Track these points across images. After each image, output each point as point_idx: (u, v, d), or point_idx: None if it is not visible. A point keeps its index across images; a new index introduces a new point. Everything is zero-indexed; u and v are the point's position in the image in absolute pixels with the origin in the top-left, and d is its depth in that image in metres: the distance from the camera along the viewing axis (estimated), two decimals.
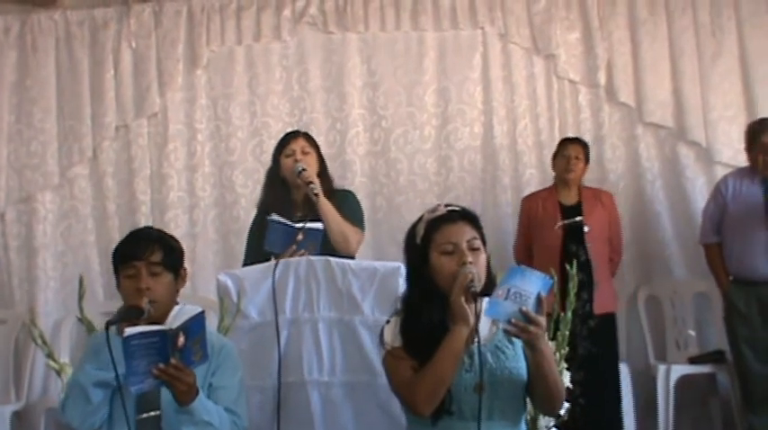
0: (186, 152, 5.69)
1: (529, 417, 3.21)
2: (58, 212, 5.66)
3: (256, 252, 3.96)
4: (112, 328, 2.56)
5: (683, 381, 5.19)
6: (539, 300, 2.43)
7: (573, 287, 3.77)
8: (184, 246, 2.99)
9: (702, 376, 5.28)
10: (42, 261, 5.56)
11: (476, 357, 2.51)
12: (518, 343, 2.59)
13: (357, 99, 5.69)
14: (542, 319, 2.44)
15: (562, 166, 5.21)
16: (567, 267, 3.84)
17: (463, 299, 2.48)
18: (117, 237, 3.67)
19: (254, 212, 4.32)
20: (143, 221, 5.46)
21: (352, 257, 3.91)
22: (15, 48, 5.74)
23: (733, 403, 5.14)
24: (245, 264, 4.03)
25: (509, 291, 2.42)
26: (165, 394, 2.64)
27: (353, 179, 5.54)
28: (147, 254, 2.76)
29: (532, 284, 2.44)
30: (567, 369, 3.70)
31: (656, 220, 5.59)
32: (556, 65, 5.70)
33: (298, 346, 3.52)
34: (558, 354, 3.60)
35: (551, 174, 5.32)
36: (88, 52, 5.72)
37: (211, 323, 2.91)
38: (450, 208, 2.68)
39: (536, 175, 5.63)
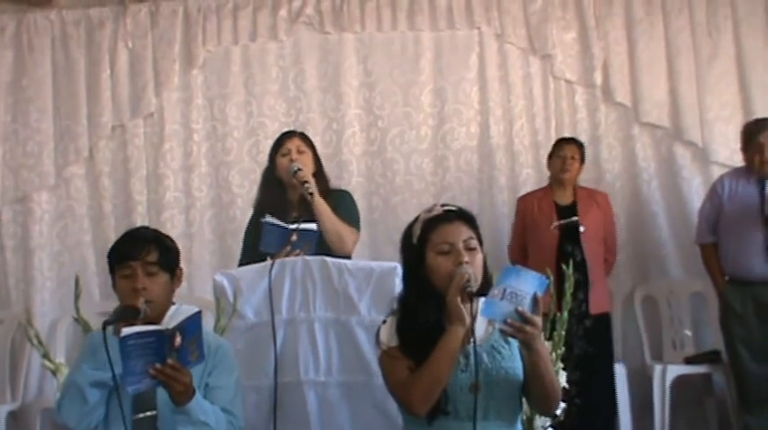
0: (182, 152, 5.68)
1: (525, 417, 3.21)
2: (55, 212, 5.66)
3: (252, 252, 3.96)
4: (109, 328, 2.56)
5: (679, 381, 5.19)
6: (535, 299, 2.43)
7: (569, 287, 3.77)
8: (180, 246, 2.99)
9: (698, 376, 5.28)
10: (38, 261, 5.56)
11: (471, 357, 2.51)
12: (514, 343, 2.59)
13: (353, 99, 5.69)
14: (538, 319, 2.45)
15: (558, 166, 5.21)
16: (564, 267, 3.84)
17: (459, 299, 2.48)
18: (113, 237, 3.66)
19: (250, 212, 4.32)
20: (139, 221, 5.46)
21: (348, 257, 3.91)
22: (11, 47, 5.73)
23: (729, 403, 5.14)
24: (242, 264, 4.03)
25: (505, 290, 2.42)
26: (161, 394, 2.64)
27: (350, 179, 5.54)
28: (142, 254, 2.76)
29: (528, 284, 2.44)
30: (564, 369, 3.70)
31: (652, 220, 5.59)
32: (552, 65, 5.70)
33: (294, 346, 3.52)
34: (554, 354, 3.60)
35: (548, 174, 5.33)
36: (84, 52, 5.72)
37: (208, 323, 2.91)
38: (446, 208, 2.69)
39: (532, 175, 5.64)
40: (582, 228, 5.07)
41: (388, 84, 5.70)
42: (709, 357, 5.21)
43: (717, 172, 5.39)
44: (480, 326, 2.59)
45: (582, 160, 5.26)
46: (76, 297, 3.59)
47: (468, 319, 2.48)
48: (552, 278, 3.15)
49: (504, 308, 2.42)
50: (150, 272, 2.76)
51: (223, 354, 2.85)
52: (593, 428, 4.94)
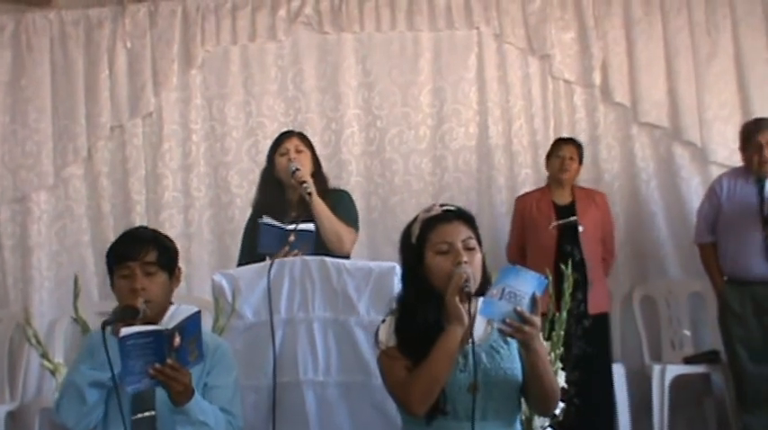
0: (181, 152, 5.68)
1: (524, 417, 3.20)
2: (53, 212, 5.66)
3: (251, 252, 3.96)
4: (108, 328, 2.55)
5: (678, 381, 5.19)
6: (533, 299, 2.43)
7: (568, 287, 3.77)
8: (179, 246, 2.98)
9: (697, 376, 5.29)
10: (37, 261, 5.55)
11: (470, 357, 2.51)
12: (513, 343, 2.59)
13: (352, 99, 5.69)
14: (537, 319, 2.44)
15: (556, 167, 5.21)
16: (562, 267, 3.84)
17: (458, 298, 2.48)
18: (112, 237, 3.68)
19: (249, 212, 4.32)
20: (138, 221, 5.46)
21: (346, 257, 3.91)
22: (10, 47, 5.73)
23: (727, 403, 5.14)
24: (240, 264, 4.03)
25: (503, 290, 2.42)
26: (160, 394, 2.64)
27: (349, 179, 5.54)
28: (141, 254, 2.76)
29: (527, 284, 2.43)
30: (562, 369, 3.70)
31: (651, 220, 5.60)
32: (551, 65, 5.70)
33: (293, 346, 3.52)
34: (552, 354, 3.60)
35: (546, 174, 5.32)
36: (83, 52, 5.71)
37: (206, 323, 2.90)
38: (445, 207, 2.68)
39: (531, 175, 5.64)
40: (581, 228, 5.07)
41: (386, 84, 5.70)
42: (708, 357, 5.21)
43: (715, 172, 5.40)
44: (479, 326, 2.58)
45: (580, 160, 5.26)
46: (75, 297, 3.59)
47: (466, 319, 2.48)
48: (551, 278, 3.16)
49: (502, 307, 2.42)
50: (149, 272, 2.76)
51: (222, 354, 2.85)
52: (592, 428, 4.94)
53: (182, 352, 2.54)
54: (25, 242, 5.58)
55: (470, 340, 2.50)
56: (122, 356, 2.46)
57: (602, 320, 5.12)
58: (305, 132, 4.44)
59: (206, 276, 5.08)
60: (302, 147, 4.14)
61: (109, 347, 2.49)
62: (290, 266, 3.57)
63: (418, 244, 2.62)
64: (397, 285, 3.18)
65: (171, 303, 2.83)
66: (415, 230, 2.65)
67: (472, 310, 2.48)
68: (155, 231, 2.95)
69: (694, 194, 5.49)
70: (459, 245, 2.58)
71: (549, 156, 5.28)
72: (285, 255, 3.68)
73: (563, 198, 5.22)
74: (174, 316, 2.73)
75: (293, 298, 3.55)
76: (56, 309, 5.48)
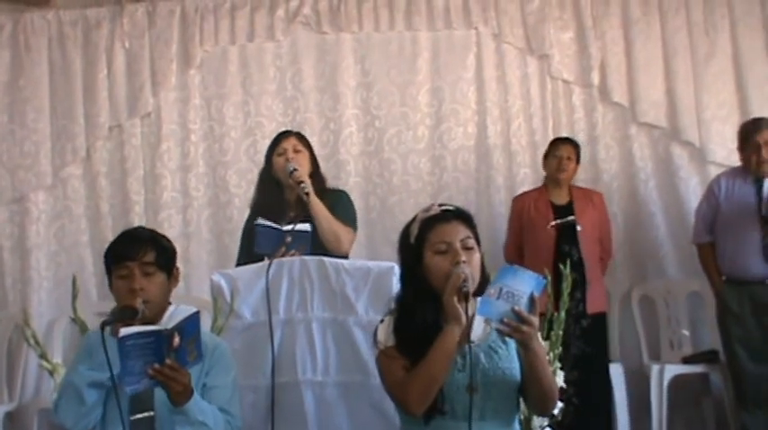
0: (180, 152, 5.68)
1: (522, 417, 3.20)
2: (51, 212, 5.65)
3: (249, 252, 3.95)
4: (107, 329, 2.55)
5: (677, 381, 5.19)
6: (532, 299, 2.43)
7: (566, 287, 3.77)
8: (178, 246, 2.99)
9: (696, 376, 5.29)
10: (35, 261, 5.55)
11: (468, 357, 2.50)
12: (512, 343, 2.58)
13: (351, 99, 5.69)
14: (535, 319, 2.44)
15: (554, 166, 5.21)
16: (561, 267, 3.85)
17: (456, 298, 2.47)
18: (110, 238, 3.67)
19: (247, 212, 4.32)
20: (136, 221, 5.45)
21: (345, 257, 3.91)
22: (8, 47, 5.72)
23: (726, 403, 5.14)
24: (239, 264, 4.03)
25: (501, 290, 2.42)
26: (159, 394, 2.64)
27: (347, 179, 5.53)
28: (139, 254, 2.76)
29: (525, 284, 2.43)
30: (561, 368, 3.70)
31: (649, 220, 5.60)
32: (549, 65, 5.70)
33: (291, 346, 3.52)
34: (551, 354, 3.60)
35: (544, 174, 5.32)
36: (81, 52, 5.71)
37: (205, 323, 2.90)
38: (443, 207, 2.68)
39: (530, 175, 5.63)
40: (579, 228, 5.07)
41: (385, 84, 5.70)
42: (707, 357, 5.22)
43: (714, 172, 5.40)
44: (478, 326, 2.58)
45: (578, 160, 5.26)
46: (74, 297, 3.59)
47: (464, 319, 2.48)
48: (549, 278, 3.16)
49: (500, 307, 2.42)
50: (147, 272, 2.75)
51: (220, 354, 2.85)
52: (591, 428, 4.94)
53: (181, 352, 2.54)
54: (24, 242, 5.58)
55: (468, 340, 2.50)
56: (121, 357, 2.46)
57: (601, 320, 5.12)
58: (303, 132, 4.44)
59: (205, 276, 5.09)
60: (300, 147, 4.14)
61: (108, 348, 2.49)
62: (289, 266, 3.57)
63: (417, 244, 2.62)
64: (395, 285, 3.18)
65: (169, 303, 2.83)
66: (414, 230, 2.65)
67: (470, 310, 2.48)
68: (153, 231, 2.94)
69: (693, 194, 5.50)
70: (458, 244, 2.57)
71: (546, 156, 5.28)
72: (282, 256, 3.67)
73: (560, 198, 5.22)
74: (172, 316, 2.73)
75: (292, 298, 3.55)
76: (54, 309, 5.48)
